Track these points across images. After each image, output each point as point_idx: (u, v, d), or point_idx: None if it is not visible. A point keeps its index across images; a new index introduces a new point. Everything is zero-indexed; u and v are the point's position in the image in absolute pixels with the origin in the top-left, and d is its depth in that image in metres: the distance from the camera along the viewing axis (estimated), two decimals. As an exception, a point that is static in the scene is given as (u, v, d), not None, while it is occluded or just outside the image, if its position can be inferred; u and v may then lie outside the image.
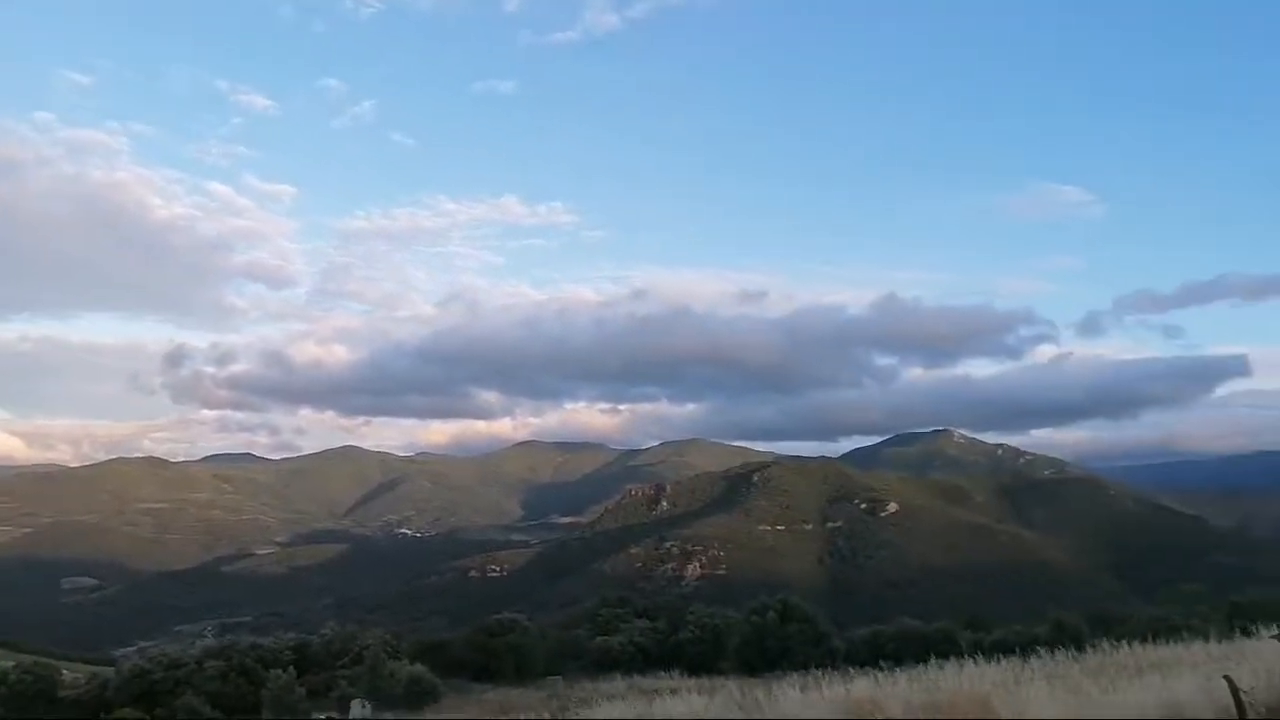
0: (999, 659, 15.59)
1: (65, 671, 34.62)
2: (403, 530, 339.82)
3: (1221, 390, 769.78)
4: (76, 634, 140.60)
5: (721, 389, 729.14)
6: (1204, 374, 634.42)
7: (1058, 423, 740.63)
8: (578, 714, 19.46)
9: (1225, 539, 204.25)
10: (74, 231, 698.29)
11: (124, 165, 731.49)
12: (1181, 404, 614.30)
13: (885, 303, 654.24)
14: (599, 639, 36.73)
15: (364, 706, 24.02)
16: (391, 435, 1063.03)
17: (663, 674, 29.90)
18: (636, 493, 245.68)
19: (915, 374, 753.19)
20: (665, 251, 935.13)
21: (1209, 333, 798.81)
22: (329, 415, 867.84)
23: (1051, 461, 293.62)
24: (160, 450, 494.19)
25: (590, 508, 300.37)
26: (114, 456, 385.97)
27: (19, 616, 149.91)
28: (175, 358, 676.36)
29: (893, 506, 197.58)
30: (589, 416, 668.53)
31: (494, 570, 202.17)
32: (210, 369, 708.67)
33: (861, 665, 23.75)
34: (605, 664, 33.98)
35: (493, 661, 34.30)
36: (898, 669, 16.16)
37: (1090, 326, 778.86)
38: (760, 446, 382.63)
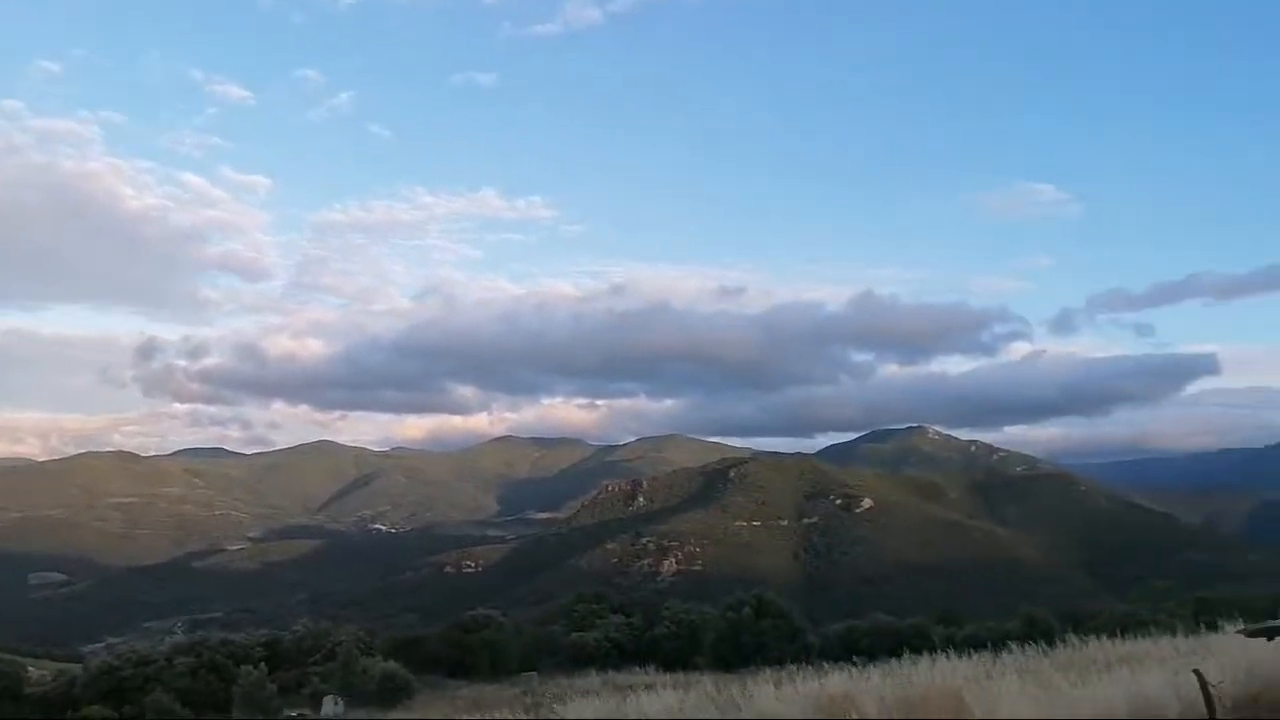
0: (971, 654, 15.71)
1: (32, 668, 34.19)
2: (377, 526, 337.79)
3: (1192, 388, 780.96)
4: (44, 630, 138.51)
5: (700, 385, 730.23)
6: (1175, 372, 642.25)
7: (1031, 420, 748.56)
8: (551, 710, 19.41)
9: (1195, 536, 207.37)
10: (44, 221, 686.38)
11: (96, 155, 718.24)
12: (1152, 402, 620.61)
13: (863, 300, 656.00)
14: (574, 635, 36.74)
15: (336, 703, 23.85)
16: (367, 430, 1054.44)
17: (638, 670, 29.97)
18: (613, 488, 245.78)
19: (891, 371, 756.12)
20: (645, 247, 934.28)
21: (1180, 331, 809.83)
22: (303, 409, 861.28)
23: (1024, 458, 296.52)
24: (131, 444, 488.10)
25: (567, 503, 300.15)
26: (84, 450, 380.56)
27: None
28: (147, 350, 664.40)
29: (868, 503, 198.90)
30: (566, 412, 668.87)
31: (469, 566, 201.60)
32: (182, 362, 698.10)
33: (836, 660, 23.85)
34: (581, 660, 34.00)
35: (467, 658, 34.24)
36: (872, 664, 16.22)
37: (1063, 324, 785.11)
38: (738, 442, 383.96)
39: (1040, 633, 21.65)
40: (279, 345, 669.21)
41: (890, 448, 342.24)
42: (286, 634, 34.92)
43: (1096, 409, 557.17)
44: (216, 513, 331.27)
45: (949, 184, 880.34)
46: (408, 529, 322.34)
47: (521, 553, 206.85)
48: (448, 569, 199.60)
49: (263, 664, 28.13)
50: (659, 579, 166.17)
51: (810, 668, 19.06)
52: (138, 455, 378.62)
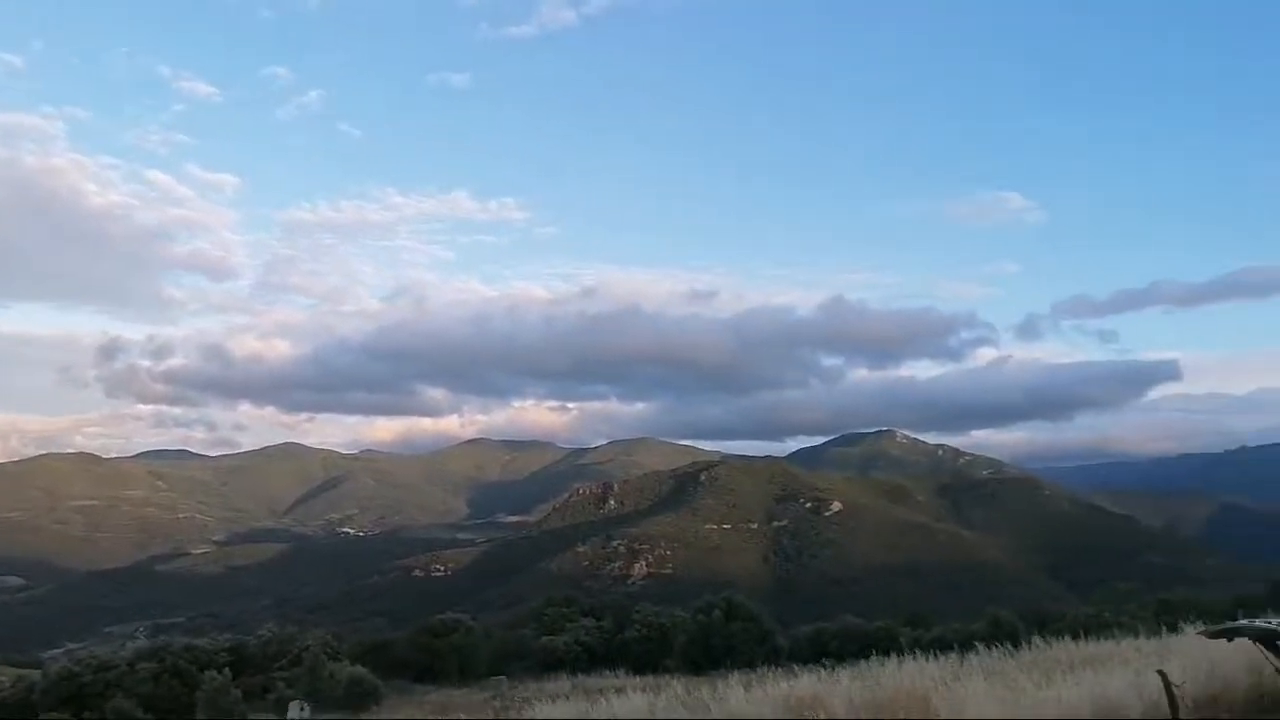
0: (938, 656, 15.84)
1: (-12, 674, 33.46)
2: (345, 529, 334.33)
3: (1153, 394, 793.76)
4: (2, 635, 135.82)
5: (671, 388, 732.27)
6: (1137, 378, 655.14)
7: (997, 424, 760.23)
8: (520, 714, 19.33)
9: (1156, 539, 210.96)
10: (5, 218, 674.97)
11: (59, 150, 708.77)
12: (1115, 407, 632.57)
13: (833, 305, 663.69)
14: (544, 639, 36.57)
15: (302, 708, 23.52)
16: (335, 432, 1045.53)
17: (608, 673, 29.89)
18: (584, 491, 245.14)
19: (860, 375, 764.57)
20: (617, 250, 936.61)
21: (1142, 338, 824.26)
22: (269, 411, 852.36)
23: (990, 462, 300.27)
24: (93, 446, 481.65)
25: (537, 506, 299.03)
26: (44, 452, 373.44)
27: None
28: (110, 350, 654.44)
29: (836, 506, 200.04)
30: (537, 414, 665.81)
31: (438, 570, 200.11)
32: (146, 362, 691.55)
33: (805, 663, 24.04)
34: (550, 664, 33.86)
35: (436, 662, 34.00)
36: (840, 666, 16.34)
37: (1029, 330, 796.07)
38: (708, 446, 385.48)
39: (1006, 634, 21.87)
40: (246, 346, 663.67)
41: (859, 451, 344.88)
42: (252, 639, 34.45)
43: (1061, 414, 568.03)
44: (180, 516, 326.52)
45: (919, 191, 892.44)
46: (376, 533, 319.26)
47: (491, 556, 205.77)
48: (416, 573, 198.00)
49: (227, 669, 27.75)
50: (629, 582, 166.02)
51: (780, 670, 19.16)
52: (100, 457, 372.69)
